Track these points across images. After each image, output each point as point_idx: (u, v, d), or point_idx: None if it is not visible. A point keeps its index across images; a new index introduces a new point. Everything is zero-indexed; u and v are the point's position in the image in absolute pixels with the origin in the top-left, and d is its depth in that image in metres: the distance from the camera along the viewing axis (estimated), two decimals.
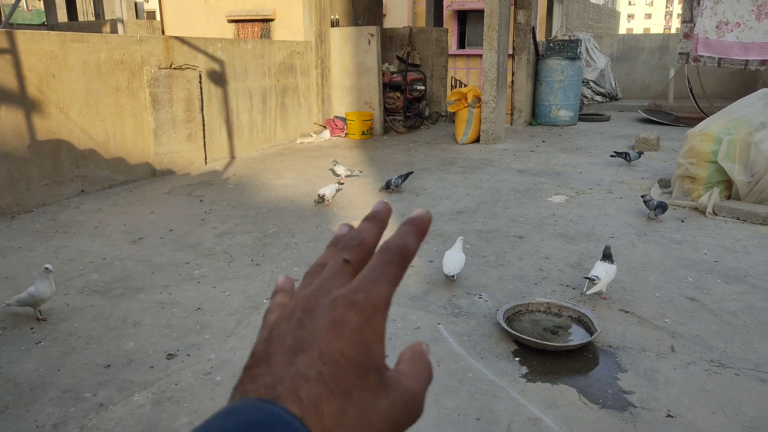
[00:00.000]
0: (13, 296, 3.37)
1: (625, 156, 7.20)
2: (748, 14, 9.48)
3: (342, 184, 6.09)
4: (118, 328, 3.28)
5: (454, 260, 3.81)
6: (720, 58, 9.88)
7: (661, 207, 5.09)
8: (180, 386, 2.72)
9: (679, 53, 10.47)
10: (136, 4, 25.19)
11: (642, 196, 5.32)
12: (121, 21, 12.23)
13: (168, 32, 12.35)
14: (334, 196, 5.66)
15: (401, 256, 0.36)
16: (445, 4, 15.53)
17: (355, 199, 5.95)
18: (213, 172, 7.30)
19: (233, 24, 13.73)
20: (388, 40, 11.51)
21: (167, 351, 3.03)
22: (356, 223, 0.40)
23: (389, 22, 17.34)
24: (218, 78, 7.95)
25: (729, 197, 5.47)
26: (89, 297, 3.68)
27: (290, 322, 0.35)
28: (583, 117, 11.54)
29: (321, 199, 5.52)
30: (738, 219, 5.12)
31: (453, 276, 3.81)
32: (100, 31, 17.95)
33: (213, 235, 4.82)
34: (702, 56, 9.99)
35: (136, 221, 5.25)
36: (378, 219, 0.39)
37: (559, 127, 10.81)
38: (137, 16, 24.80)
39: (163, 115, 7.03)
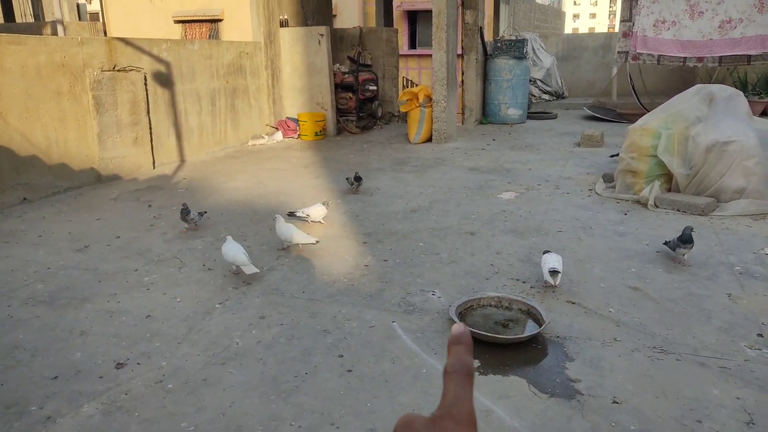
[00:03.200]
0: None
1: (671, 245, 4.15)
2: (683, 13, 9.90)
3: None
4: (64, 339, 3.18)
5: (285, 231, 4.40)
6: (659, 56, 10.29)
7: (687, 242, 3.96)
8: (130, 395, 2.67)
9: (618, 52, 10.83)
10: (78, 6, 24.38)
11: (665, 243, 4.20)
12: (61, 22, 11.83)
13: (112, 34, 12.03)
14: (320, 219, 5.09)
15: (468, 376, 0.46)
16: (395, 4, 15.62)
17: (309, 201, 5.93)
18: (162, 176, 7.15)
19: (180, 24, 13.48)
20: (338, 40, 11.50)
21: (116, 360, 2.96)
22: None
23: (339, 23, 17.31)
24: (164, 80, 7.79)
25: (669, 189, 5.70)
26: (34, 308, 3.56)
27: None
28: (532, 115, 11.80)
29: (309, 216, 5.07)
30: (678, 210, 5.34)
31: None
32: (40, 33, 17.31)
33: (162, 241, 4.72)
34: (641, 54, 10.39)
35: (81, 229, 5.09)
36: (465, 342, 0.47)
37: (508, 125, 11.03)
38: (80, 18, 24.00)
39: (108, 118, 6.85)
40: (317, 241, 4.44)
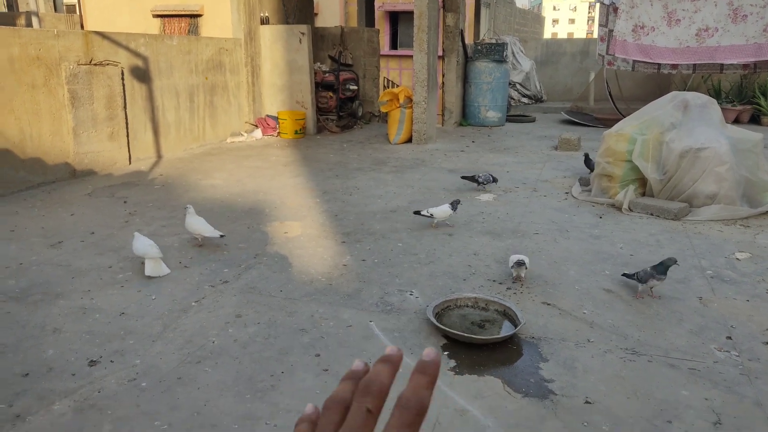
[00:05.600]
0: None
1: (640, 277, 3.66)
2: (661, 20, 10.05)
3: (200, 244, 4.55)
4: (36, 336, 3.13)
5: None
6: (634, 62, 10.44)
7: (662, 274, 3.57)
8: (103, 393, 2.63)
9: (599, 54, 10.98)
10: None
11: (623, 275, 3.80)
12: (36, 14, 11.60)
13: (89, 27, 11.85)
14: (446, 219, 5.01)
15: (419, 415, 0.39)
16: (376, 4, 15.62)
17: (288, 200, 5.91)
18: (138, 172, 7.05)
19: (159, 19, 13.29)
20: (319, 39, 11.47)
21: (89, 358, 2.92)
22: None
23: (321, 22, 17.24)
24: (142, 75, 7.69)
25: (644, 194, 5.79)
26: (5, 304, 3.49)
27: None
28: (511, 118, 11.91)
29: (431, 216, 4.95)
30: (652, 215, 5.44)
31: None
32: (14, 24, 16.95)
33: None
34: (617, 59, 10.54)
35: (54, 224, 5.01)
36: (392, 362, 0.42)
37: (488, 127, 11.11)
38: (55, 10, 23.54)
39: (83, 113, 6.74)
40: (222, 235, 4.43)
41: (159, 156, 7.96)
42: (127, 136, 7.37)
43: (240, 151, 8.47)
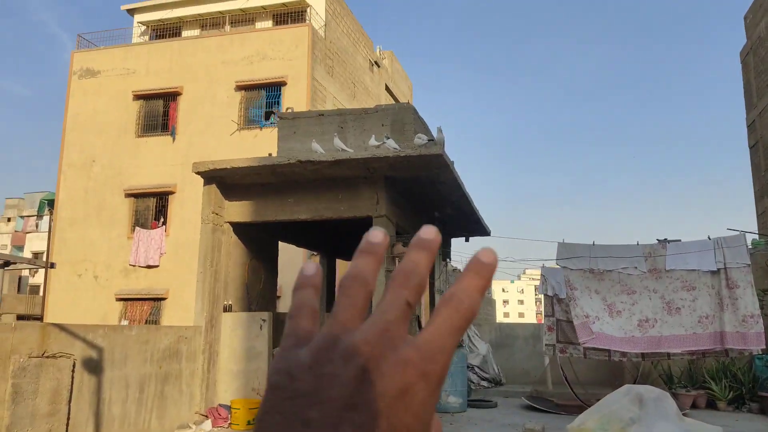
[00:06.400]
0: None
1: None
2: (602, 311, 10.73)
3: None
4: None
5: None
6: (585, 349, 10.82)
7: None
8: None
9: (546, 344, 11.38)
10: (20, 278, 24.49)
11: None
12: None
13: (50, 307, 11.90)
14: None
15: (468, 320, 0.34)
16: (337, 283, 16.47)
17: None
18: None
19: (121, 302, 13.47)
20: (280, 324, 11.70)
21: None
22: None
23: (283, 304, 17.81)
24: (94, 366, 7.50)
25: None
26: None
27: (347, 366, 0.31)
28: (472, 403, 11.70)
29: None
30: None
31: None
32: None
33: None
34: (569, 346, 10.93)
35: None
36: (430, 250, 0.35)
37: (450, 414, 10.81)
38: (19, 290, 23.89)
39: (23, 408, 6.35)
40: None
41: None
42: None
43: None
